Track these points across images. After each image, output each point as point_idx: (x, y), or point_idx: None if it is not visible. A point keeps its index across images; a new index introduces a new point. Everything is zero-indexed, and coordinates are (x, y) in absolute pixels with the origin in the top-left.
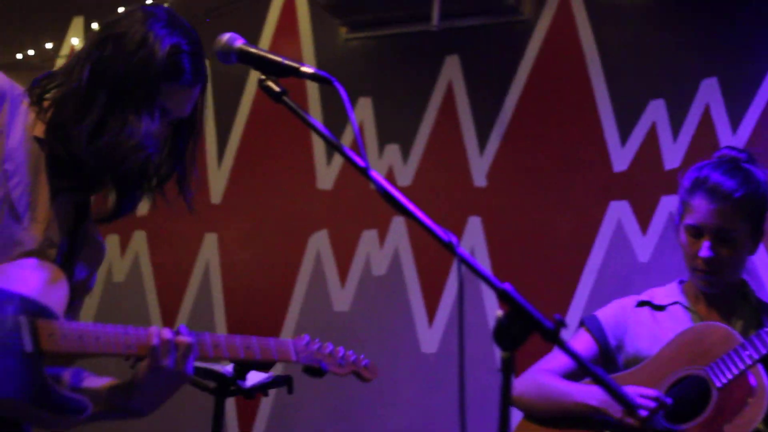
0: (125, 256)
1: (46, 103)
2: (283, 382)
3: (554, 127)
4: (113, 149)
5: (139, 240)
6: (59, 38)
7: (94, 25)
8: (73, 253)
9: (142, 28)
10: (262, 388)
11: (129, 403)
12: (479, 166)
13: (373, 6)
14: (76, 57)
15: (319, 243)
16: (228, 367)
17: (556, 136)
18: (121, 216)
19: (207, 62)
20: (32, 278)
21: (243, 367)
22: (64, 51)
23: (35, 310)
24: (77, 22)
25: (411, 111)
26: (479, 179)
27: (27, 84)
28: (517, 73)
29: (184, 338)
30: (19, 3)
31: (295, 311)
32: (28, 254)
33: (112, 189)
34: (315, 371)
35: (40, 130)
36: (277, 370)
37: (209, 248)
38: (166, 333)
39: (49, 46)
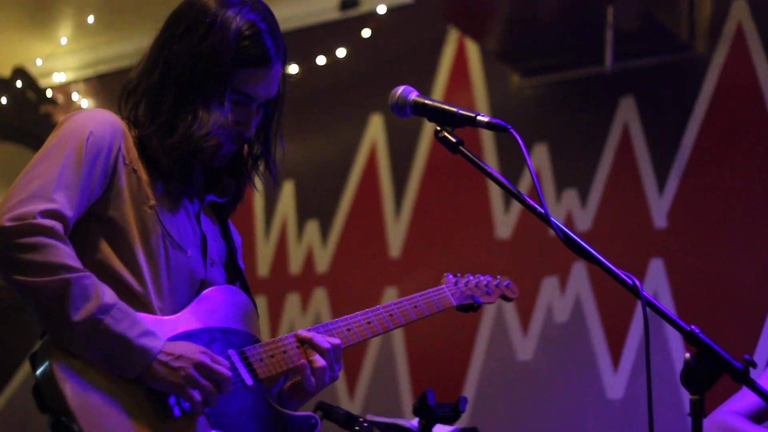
0: (306, 313)
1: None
2: None
3: (735, 163)
4: (182, 144)
5: (320, 297)
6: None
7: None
8: (233, 259)
9: (209, 14)
10: None
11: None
12: (659, 207)
13: (544, 51)
14: (147, 60)
15: None
16: (413, 422)
17: (737, 173)
18: (235, 203)
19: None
20: (220, 307)
21: (429, 421)
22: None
23: (238, 340)
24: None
25: (587, 155)
26: (660, 220)
27: None
28: (694, 110)
29: (320, 363)
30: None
31: (478, 362)
32: (204, 282)
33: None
34: (469, 307)
35: None
36: (463, 422)
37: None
38: (319, 361)
39: None
